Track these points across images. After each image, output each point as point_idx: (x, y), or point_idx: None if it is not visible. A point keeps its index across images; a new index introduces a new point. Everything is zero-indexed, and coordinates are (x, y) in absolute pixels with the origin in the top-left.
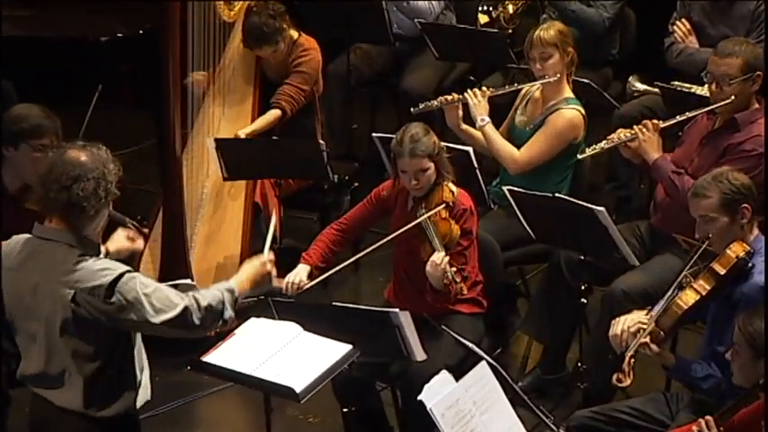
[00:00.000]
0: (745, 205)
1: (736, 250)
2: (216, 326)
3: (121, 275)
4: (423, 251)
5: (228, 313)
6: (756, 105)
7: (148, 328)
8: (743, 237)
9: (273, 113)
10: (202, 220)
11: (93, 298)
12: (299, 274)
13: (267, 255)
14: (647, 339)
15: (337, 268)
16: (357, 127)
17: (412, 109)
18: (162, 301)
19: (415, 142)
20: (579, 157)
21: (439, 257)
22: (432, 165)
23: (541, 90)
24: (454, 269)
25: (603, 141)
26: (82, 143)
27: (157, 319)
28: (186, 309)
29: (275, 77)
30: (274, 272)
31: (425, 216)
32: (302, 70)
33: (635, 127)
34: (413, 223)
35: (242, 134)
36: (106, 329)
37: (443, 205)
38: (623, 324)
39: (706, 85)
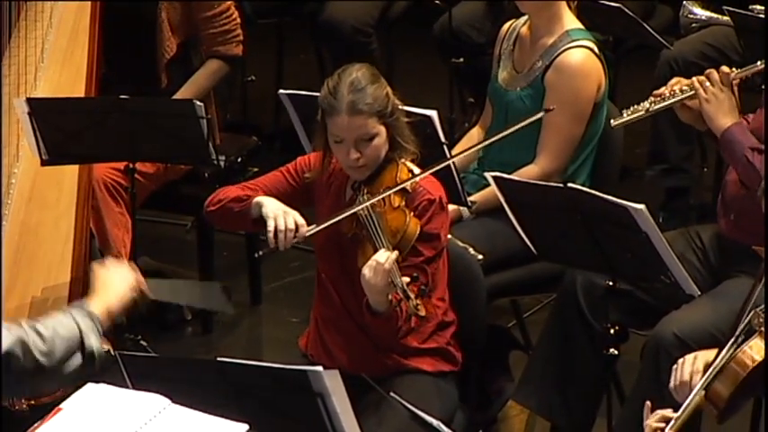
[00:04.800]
0: None
1: None
2: (70, 369)
3: None
4: (361, 257)
5: (93, 346)
6: None
7: None
8: None
9: (215, 65)
10: (9, 228)
11: None
12: (289, 212)
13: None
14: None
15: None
16: (255, 80)
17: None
18: None
19: (357, 92)
20: (613, 124)
21: (383, 256)
22: (382, 130)
23: (530, 23)
24: (407, 279)
25: (648, 100)
26: None
27: None
28: (20, 342)
29: None
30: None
31: (367, 203)
32: None
33: (694, 79)
34: (346, 213)
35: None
36: None
37: (397, 188)
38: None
39: None
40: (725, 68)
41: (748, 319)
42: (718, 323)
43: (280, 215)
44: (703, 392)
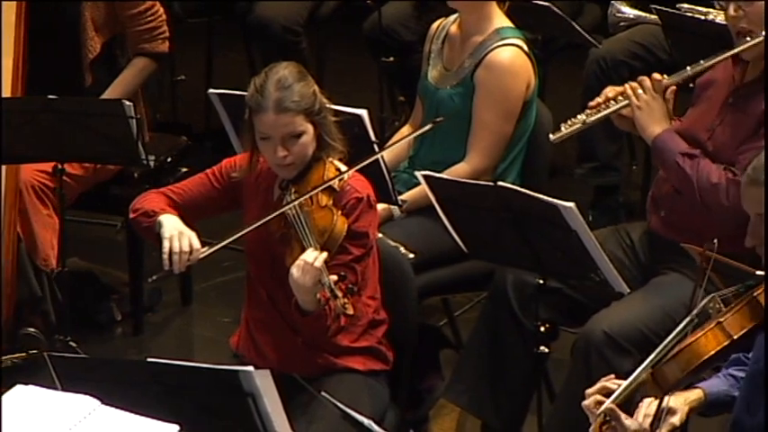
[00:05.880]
0: None
1: None
2: None
3: None
4: (289, 257)
5: None
6: None
7: None
8: None
9: (141, 62)
10: None
11: None
12: (185, 233)
13: None
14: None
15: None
16: (185, 79)
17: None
18: None
19: (283, 90)
20: (552, 138)
21: (311, 255)
22: (309, 127)
23: (460, 21)
24: (334, 277)
25: (584, 112)
26: None
27: None
28: None
29: None
30: None
31: (294, 203)
32: None
33: (626, 86)
34: (274, 214)
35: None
36: None
37: (323, 186)
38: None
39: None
40: (656, 75)
41: (703, 303)
42: (647, 320)
43: (175, 236)
44: (650, 370)
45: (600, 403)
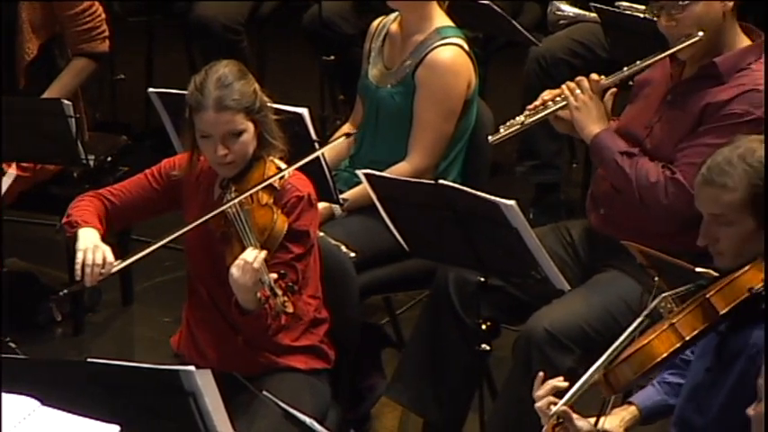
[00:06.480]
0: None
1: (750, 278)
2: None
3: None
4: (229, 256)
5: None
6: (746, 41)
7: None
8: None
9: (81, 63)
10: None
11: None
12: (100, 247)
13: None
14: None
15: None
16: (125, 78)
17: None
18: None
19: (223, 88)
20: (491, 140)
21: (251, 255)
22: (250, 126)
23: (400, 20)
24: (274, 275)
25: (523, 114)
26: None
27: None
28: None
29: None
30: None
31: (234, 201)
32: None
33: (564, 87)
34: (215, 212)
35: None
36: None
37: (263, 184)
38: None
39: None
40: (594, 76)
41: (654, 304)
42: (588, 317)
43: (89, 249)
44: (603, 371)
45: (553, 404)
